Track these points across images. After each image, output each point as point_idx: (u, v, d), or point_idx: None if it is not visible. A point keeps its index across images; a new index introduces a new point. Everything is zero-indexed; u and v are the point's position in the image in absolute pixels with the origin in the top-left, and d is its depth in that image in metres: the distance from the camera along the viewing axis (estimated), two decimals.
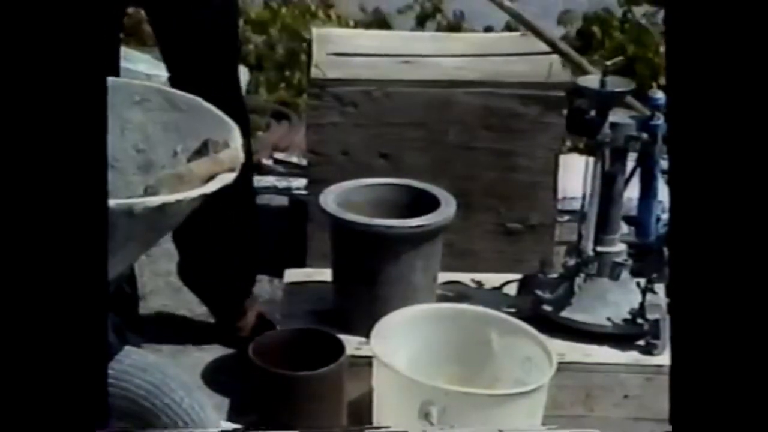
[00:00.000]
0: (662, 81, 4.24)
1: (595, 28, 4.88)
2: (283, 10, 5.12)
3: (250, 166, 2.91)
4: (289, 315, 2.68)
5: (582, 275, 2.56)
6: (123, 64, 3.60)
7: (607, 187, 2.56)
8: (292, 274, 2.84)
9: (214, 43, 2.72)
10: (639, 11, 5.05)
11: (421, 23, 5.17)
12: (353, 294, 2.60)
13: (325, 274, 2.68)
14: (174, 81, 2.69)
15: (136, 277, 2.98)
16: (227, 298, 2.95)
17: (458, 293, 2.72)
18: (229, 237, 2.87)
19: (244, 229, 2.91)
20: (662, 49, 4.61)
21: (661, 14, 4.91)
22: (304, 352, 2.41)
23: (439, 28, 5.04)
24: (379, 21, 5.09)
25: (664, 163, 2.60)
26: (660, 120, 2.52)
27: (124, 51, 4.09)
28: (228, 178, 1.69)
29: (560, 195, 3.04)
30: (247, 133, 2.58)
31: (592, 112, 2.55)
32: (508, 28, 4.47)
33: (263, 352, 2.39)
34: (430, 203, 2.60)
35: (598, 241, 2.58)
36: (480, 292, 2.76)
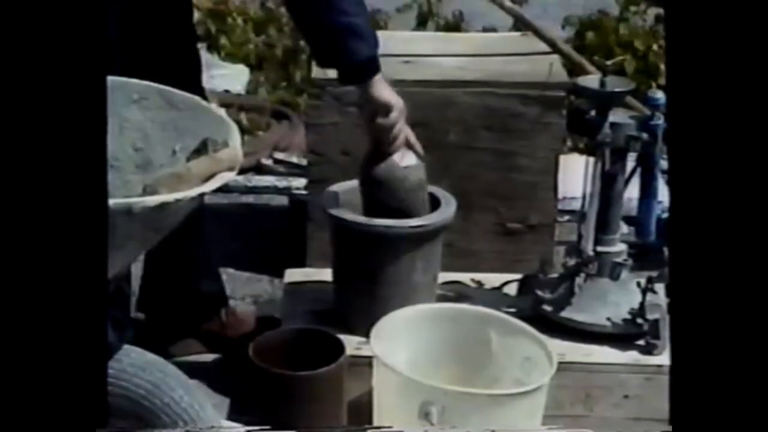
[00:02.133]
0: (662, 80, 4.25)
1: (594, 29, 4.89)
2: (282, 9, 5.12)
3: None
4: (289, 315, 2.67)
5: (582, 275, 2.56)
6: None
7: (607, 187, 2.56)
8: (292, 274, 2.84)
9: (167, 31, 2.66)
10: (636, 10, 5.06)
11: (422, 23, 5.18)
12: (353, 294, 2.60)
13: (325, 274, 2.68)
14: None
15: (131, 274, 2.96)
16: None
17: (458, 293, 2.72)
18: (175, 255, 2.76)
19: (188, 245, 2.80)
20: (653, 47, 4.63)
21: (655, 12, 4.92)
22: (304, 352, 2.41)
23: (437, 28, 5.05)
24: (374, 20, 5.08)
25: (664, 163, 2.60)
26: (660, 120, 2.52)
27: None
28: (227, 177, 1.69)
29: (560, 195, 3.04)
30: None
31: (592, 112, 2.55)
32: (516, 28, 4.47)
33: (263, 352, 2.39)
34: (430, 203, 2.60)
35: (598, 241, 2.58)
36: (480, 292, 2.76)
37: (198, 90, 2.53)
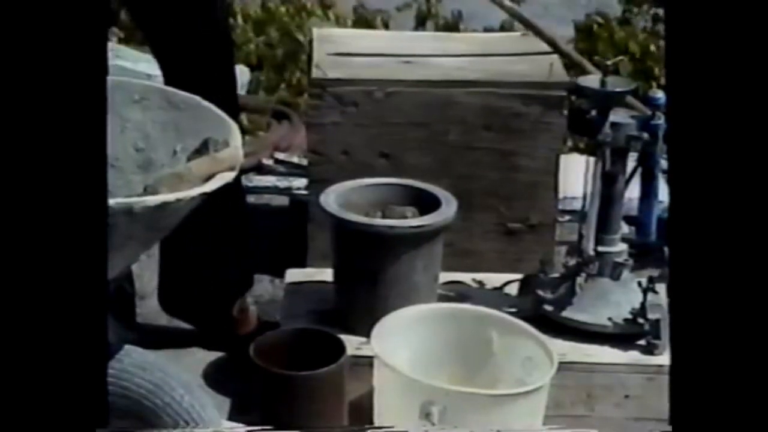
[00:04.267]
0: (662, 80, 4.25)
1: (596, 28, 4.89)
2: (282, 9, 5.12)
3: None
4: (290, 315, 2.67)
5: (583, 275, 2.56)
6: (123, 63, 3.61)
7: (608, 186, 2.56)
8: (292, 274, 2.84)
9: (207, 47, 2.70)
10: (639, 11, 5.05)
11: (421, 23, 5.18)
12: (354, 294, 2.60)
13: (326, 274, 2.68)
14: (169, 82, 2.67)
15: (133, 275, 2.97)
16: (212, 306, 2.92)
17: (459, 293, 2.71)
18: (215, 242, 2.81)
19: (233, 232, 2.85)
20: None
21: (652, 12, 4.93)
22: (305, 352, 2.41)
23: (437, 28, 5.05)
24: (372, 20, 5.08)
25: (664, 163, 2.60)
26: (661, 120, 2.52)
27: (125, 51, 4.09)
28: (228, 177, 1.70)
29: (561, 195, 3.03)
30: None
31: (593, 112, 2.55)
32: (502, 28, 4.50)
33: (263, 352, 2.39)
34: (430, 203, 2.60)
35: (598, 241, 2.58)
36: (481, 292, 2.76)
37: (234, 108, 2.57)
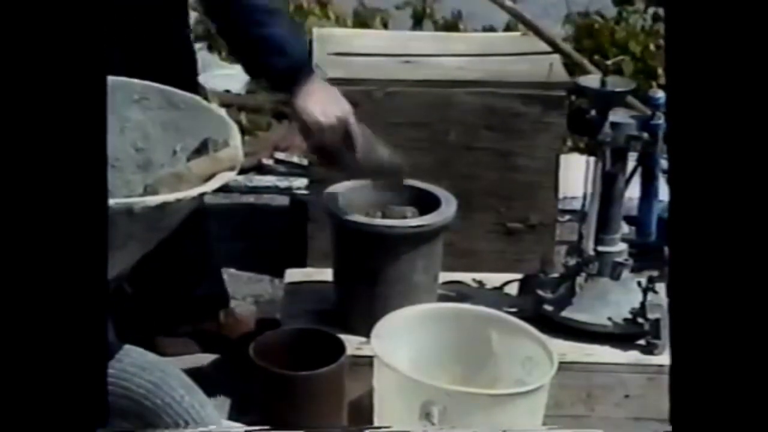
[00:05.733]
0: (661, 81, 4.25)
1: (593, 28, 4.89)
2: None
3: None
4: (290, 315, 2.67)
5: (583, 275, 2.56)
6: None
7: (608, 186, 2.56)
8: (292, 274, 2.84)
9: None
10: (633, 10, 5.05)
11: (417, 22, 5.18)
12: (354, 294, 2.60)
13: (326, 274, 2.68)
14: None
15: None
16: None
17: (459, 293, 2.71)
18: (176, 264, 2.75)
19: (194, 253, 2.80)
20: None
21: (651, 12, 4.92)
22: (305, 352, 2.41)
23: (436, 27, 5.05)
24: (371, 20, 5.08)
25: (664, 163, 2.60)
26: (661, 119, 2.52)
27: None
28: (227, 176, 1.70)
29: (561, 195, 3.04)
30: None
31: (593, 112, 2.55)
32: (508, 28, 4.48)
33: (263, 352, 2.39)
34: (430, 203, 2.60)
35: (598, 241, 2.58)
36: (481, 291, 2.76)
37: (194, 89, 2.50)
